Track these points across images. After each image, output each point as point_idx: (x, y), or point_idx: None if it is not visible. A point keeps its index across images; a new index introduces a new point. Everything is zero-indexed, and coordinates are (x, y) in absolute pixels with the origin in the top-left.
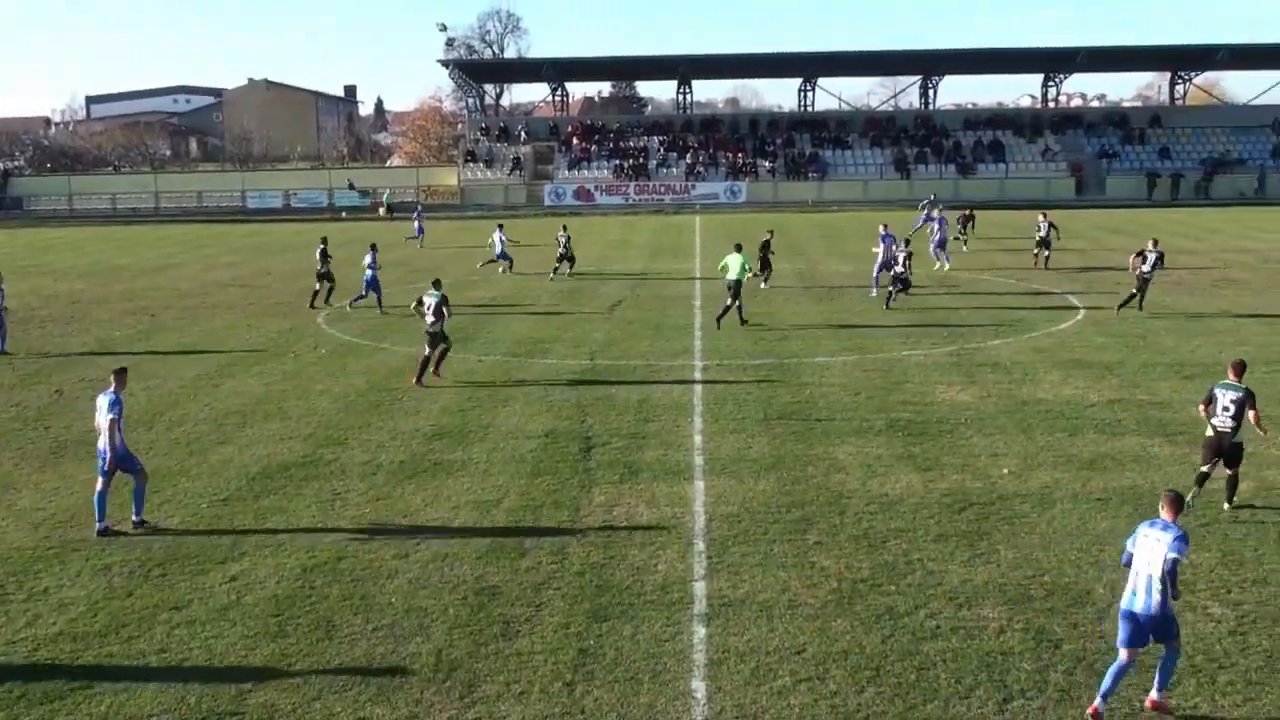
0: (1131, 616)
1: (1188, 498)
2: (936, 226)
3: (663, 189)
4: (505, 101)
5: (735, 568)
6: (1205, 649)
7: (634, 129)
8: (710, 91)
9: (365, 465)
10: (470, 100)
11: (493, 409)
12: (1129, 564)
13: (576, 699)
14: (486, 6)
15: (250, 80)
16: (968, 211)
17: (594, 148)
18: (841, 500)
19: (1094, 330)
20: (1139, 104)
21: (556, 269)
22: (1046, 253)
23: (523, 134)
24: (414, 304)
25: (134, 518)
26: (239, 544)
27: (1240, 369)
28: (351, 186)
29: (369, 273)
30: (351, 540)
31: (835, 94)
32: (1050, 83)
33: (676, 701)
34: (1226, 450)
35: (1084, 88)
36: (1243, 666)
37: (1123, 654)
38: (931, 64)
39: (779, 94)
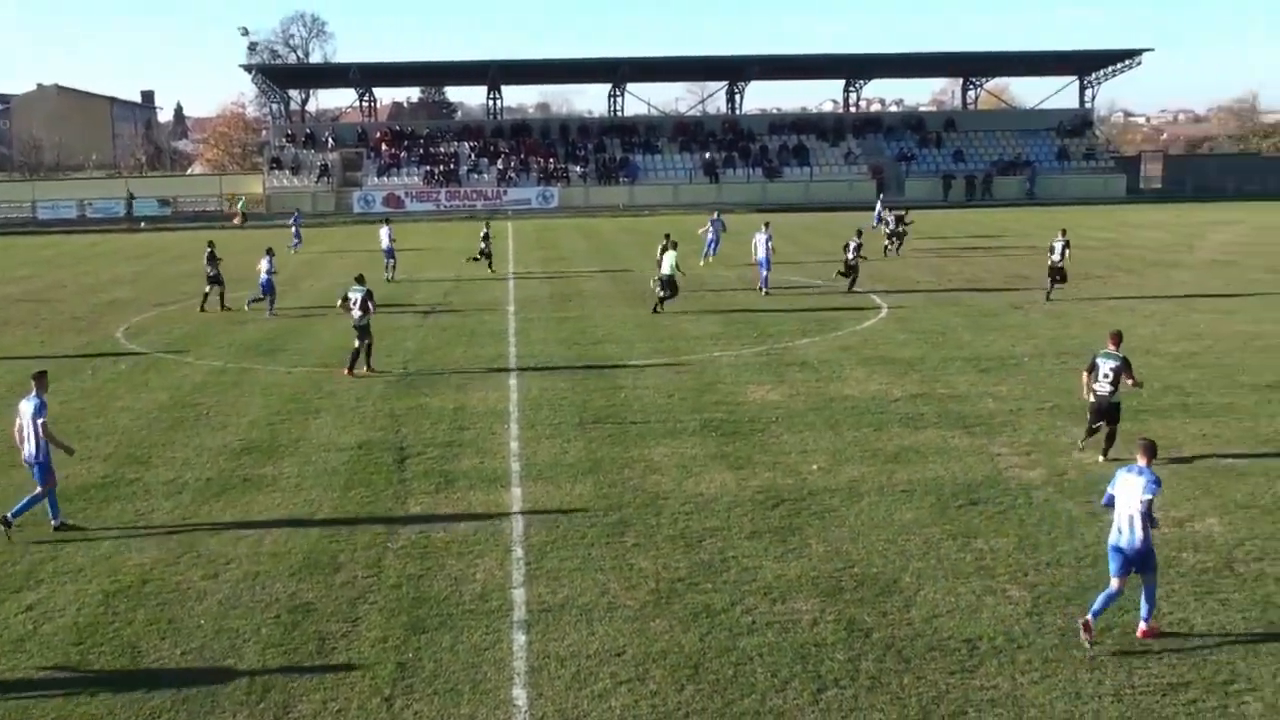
0: (1119, 550)
1: (1078, 444)
2: (712, 233)
3: (474, 195)
4: (311, 107)
5: (554, 573)
6: (1005, 630)
7: (444, 134)
8: (521, 97)
9: (170, 484)
10: (275, 106)
11: (303, 421)
12: (1110, 505)
13: (396, 713)
14: (289, 10)
15: (40, 86)
16: (902, 213)
17: (403, 154)
18: (658, 501)
19: (896, 328)
20: (934, 109)
21: (476, 260)
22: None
23: (330, 140)
24: (339, 301)
25: (9, 513)
26: (35, 572)
27: (1118, 339)
28: (133, 197)
29: (264, 276)
30: (157, 563)
31: (645, 100)
32: (851, 88)
33: (498, 710)
34: (1106, 410)
35: (883, 93)
36: (1039, 645)
37: (1114, 583)
38: (738, 70)
39: (589, 99)
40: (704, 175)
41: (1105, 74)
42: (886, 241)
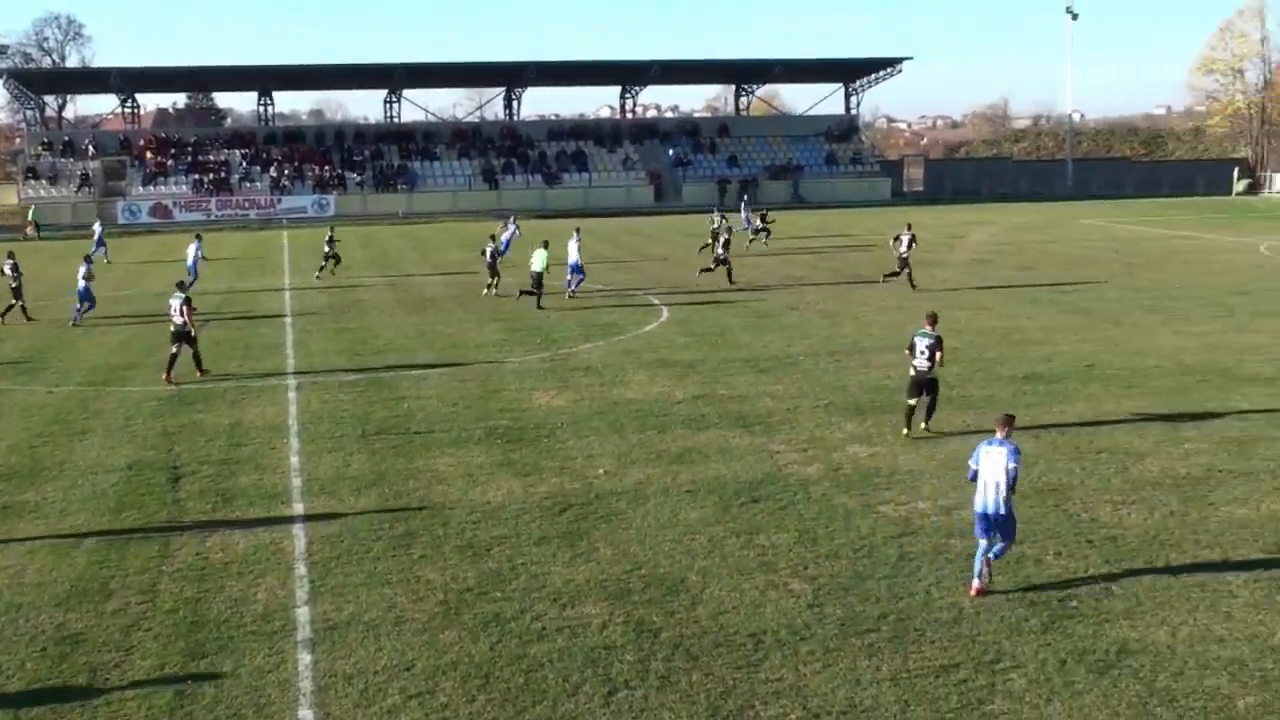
0: (984, 516)
1: (904, 431)
2: (506, 239)
3: (247, 204)
4: (70, 113)
5: (339, 589)
6: (788, 623)
7: (213, 142)
8: (293, 103)
9: None
10: (29, 113)
11: (68, 443)
12: (974, 478)
13: None
14: (42, 11)
15: None
16: (764, 211)
17: (170, 162)
18: (444, 511)
19: (677, 331)
20: (709, 114)
21: (323, 268)
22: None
23: (90, 148)
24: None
25: None
26: None
27: (933, 320)
28: None
29: (82, 284)
30: None
31: (421, 105)
32: (627, 94)
33: None
34: (925, 384)
35: (659, 99)
36: (821, 635)
37: (981, 543)
38: (515, 76)
39: (364, 105)
40: (483, 182)
41: (869, 81)
42: (752, 237)
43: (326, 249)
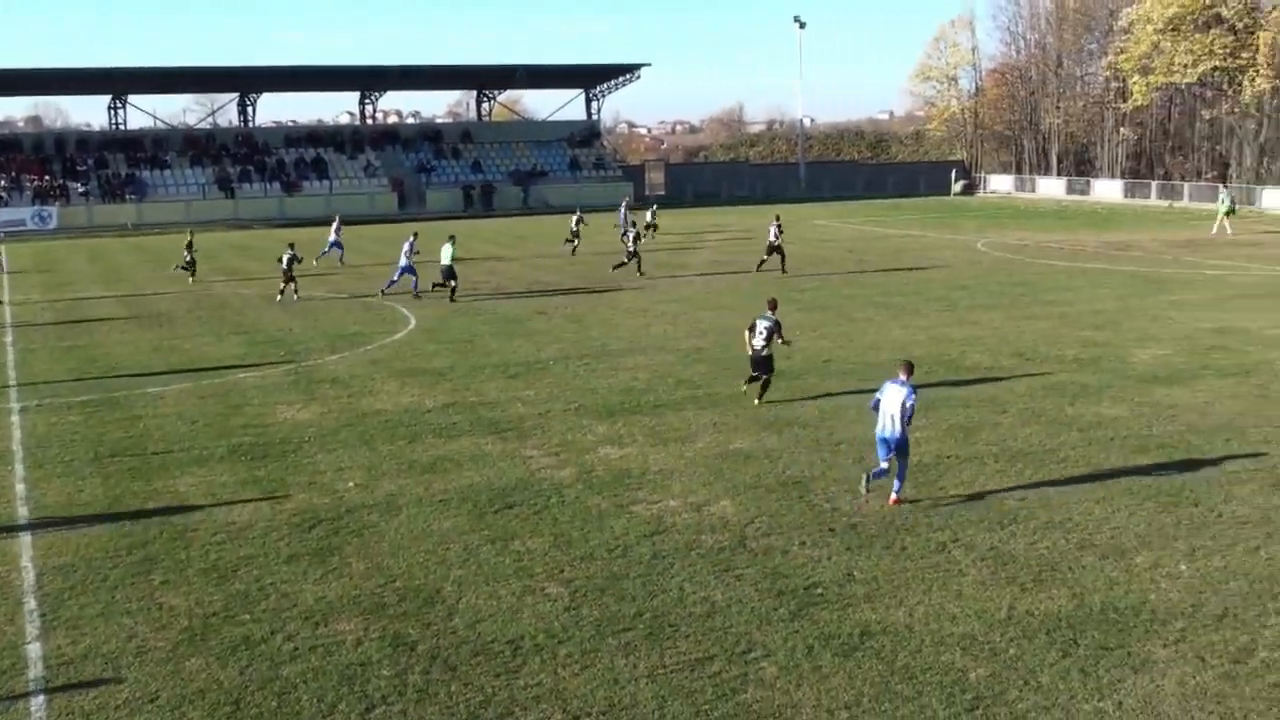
0: (884, 440)
1: (743, 387)
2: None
3: None
4: None
5: (74, 622)
6: (545, 627)
7: None
8: (8, 109)
9: None
10: None
11: None
12: (876, 407)
13: None
14: None
15: None
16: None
17: None
18: (187, 534)
19: (425, 339)
20: (451, 120)
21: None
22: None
23: None
24: None
25: None
26: None
27: (773, 305)
28: None
29: None
30: None
31: (149, 111)
32: (367, 99)
33: None
34: (760, 362)
35: (399, 105)
36: (579, 638)
37: (882, 463)
38: (249, 80)
39: (87, 111)
40: (219, 190)
41: (609, 87)
42: (639, 233)
43: (186, 255)
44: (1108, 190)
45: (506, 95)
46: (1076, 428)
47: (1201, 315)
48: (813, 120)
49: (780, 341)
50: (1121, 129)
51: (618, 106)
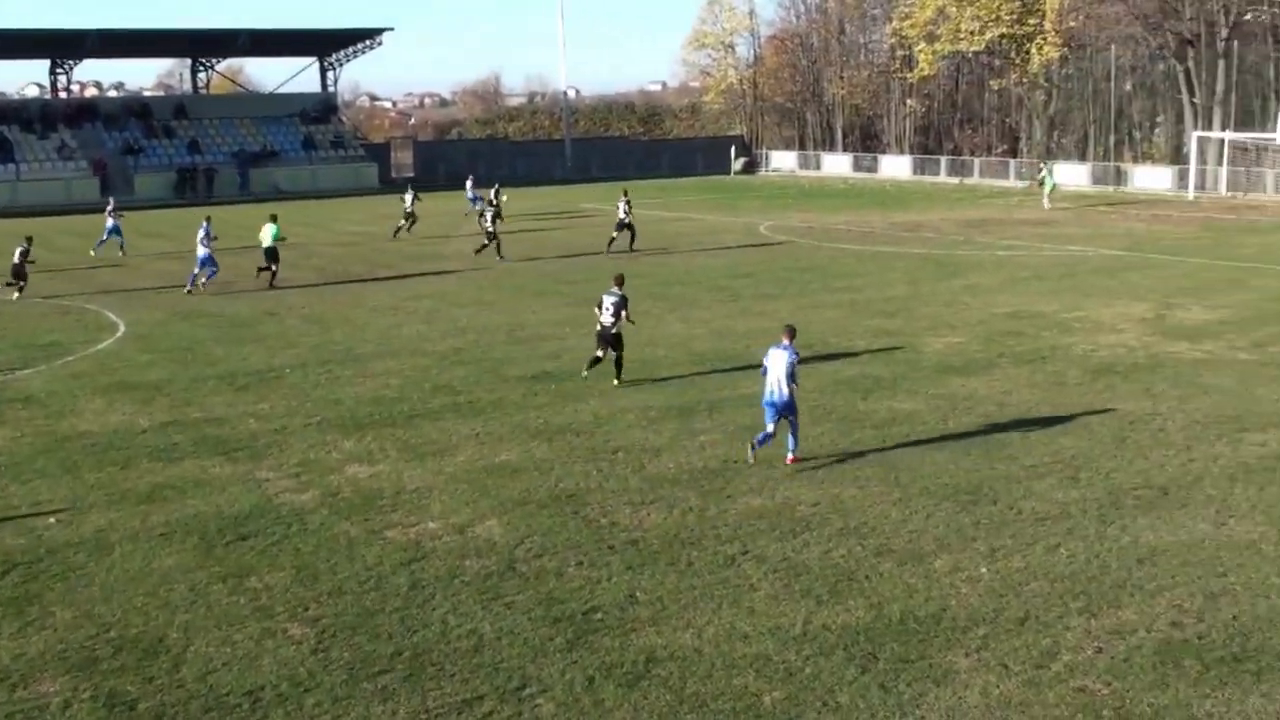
0: (771, 404)
1: (584, 373)
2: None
3: None
4: None
5: None
6: (289, 674)
7: None
8: None
9: None
10: None
11: None
12: (765, 374)
13: None
14: None
15: None
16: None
17: None
18: None
19: (137, 347)
20: (162, 93)
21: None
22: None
23: None
24: None
25: None
26: None
27: (619, 280)
28: None
29: None
30: None
31: None
32: (60, 69)
33: None
34: (609, 339)
35: (99, 75)
36: (328, 684)
37: (769, 426)
38: None
39: None
40: None
41: (346, 55)
42: (498, 212)
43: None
44: (896, 167)
45: (227, 64)
46: (870, 424)
47: (995, 299)
48: (578, 92)
49: (626, 318)
50: (909, 100)
51: (357, 77)
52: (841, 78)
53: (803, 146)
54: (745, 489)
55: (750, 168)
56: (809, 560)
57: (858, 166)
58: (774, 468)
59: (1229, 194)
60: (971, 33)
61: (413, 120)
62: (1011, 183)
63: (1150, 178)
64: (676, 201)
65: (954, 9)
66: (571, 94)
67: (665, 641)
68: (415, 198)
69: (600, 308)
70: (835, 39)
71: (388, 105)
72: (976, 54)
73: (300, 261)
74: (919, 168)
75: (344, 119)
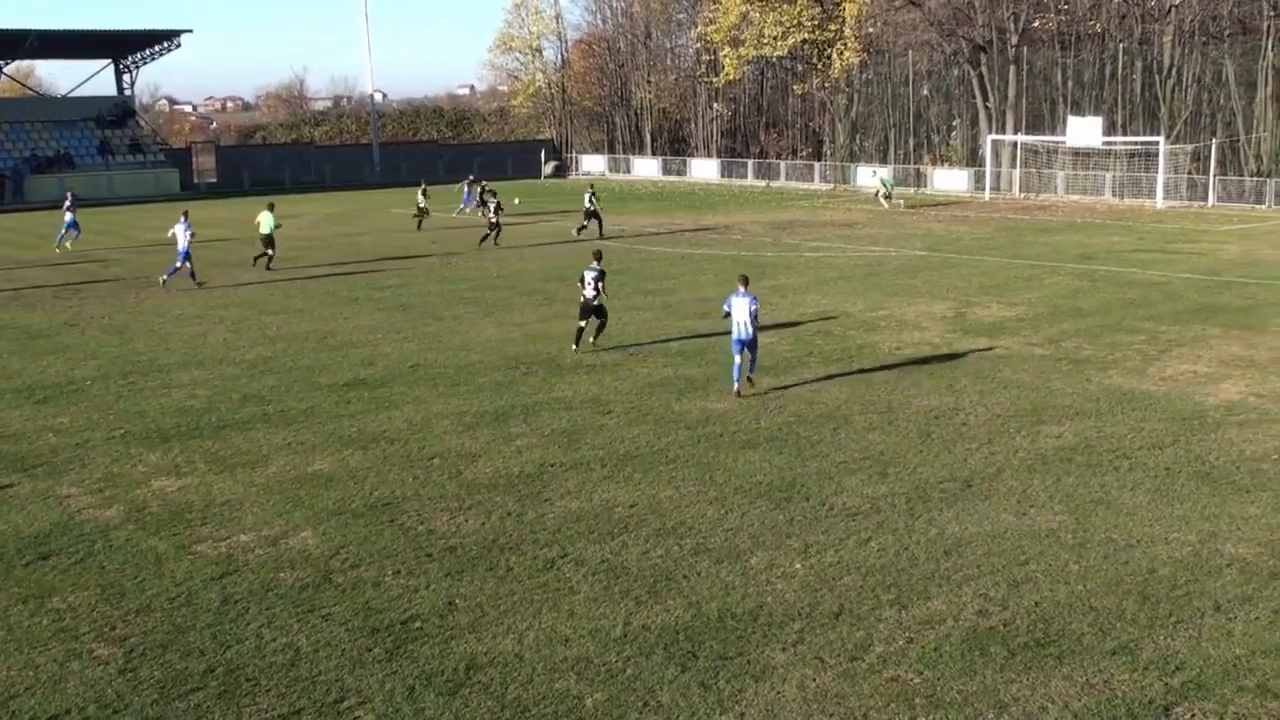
0: (739, 341)
1: (572, 348)
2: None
3: None
4: None
5: None
6: (96, 696)
7: None
8: None
9: None
10: None
11: None
12: (728, 316)
13: None
14: None
15: None
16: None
17: None
18: None
19: None
20: None
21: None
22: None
23: None
24: None
25: None
26: None
27: (598, 256)
28: None
29: None
30: None
31: None
32: None
33: None
34: (593, 309)
35: None
36: (138, 705)
37: (737, 359)
38: None
39: None
40: None
41: (144, 57)
42: (499, 203)
43: (588, 203)
44: (704, 170)
45: (15, 66)
46: (684, 425)
47: (804, 299)
48: (385, 96)
49: (603, 290)
50: (715, 104)
51: (155, 80)
52: (649, 82)
53: (612, 150)
54: (563, 492)
55: (561, 171)
56: (628, 561)
57: (667, 170)
58: (591, 470)
59: (1022, 195)
60: (775, 38)
61: (214, 125)
62: (816, 185)
63: (949, 180)
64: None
65: (757, 15)
66: (379, 98)
67: (486, 648)
68: (424, 193)
69: (582, 283)
70: (642, 43)
71: (188, 109)
72: (780, 59)
73: (101, 271)
74: (726, 170)
75: (142, 123)
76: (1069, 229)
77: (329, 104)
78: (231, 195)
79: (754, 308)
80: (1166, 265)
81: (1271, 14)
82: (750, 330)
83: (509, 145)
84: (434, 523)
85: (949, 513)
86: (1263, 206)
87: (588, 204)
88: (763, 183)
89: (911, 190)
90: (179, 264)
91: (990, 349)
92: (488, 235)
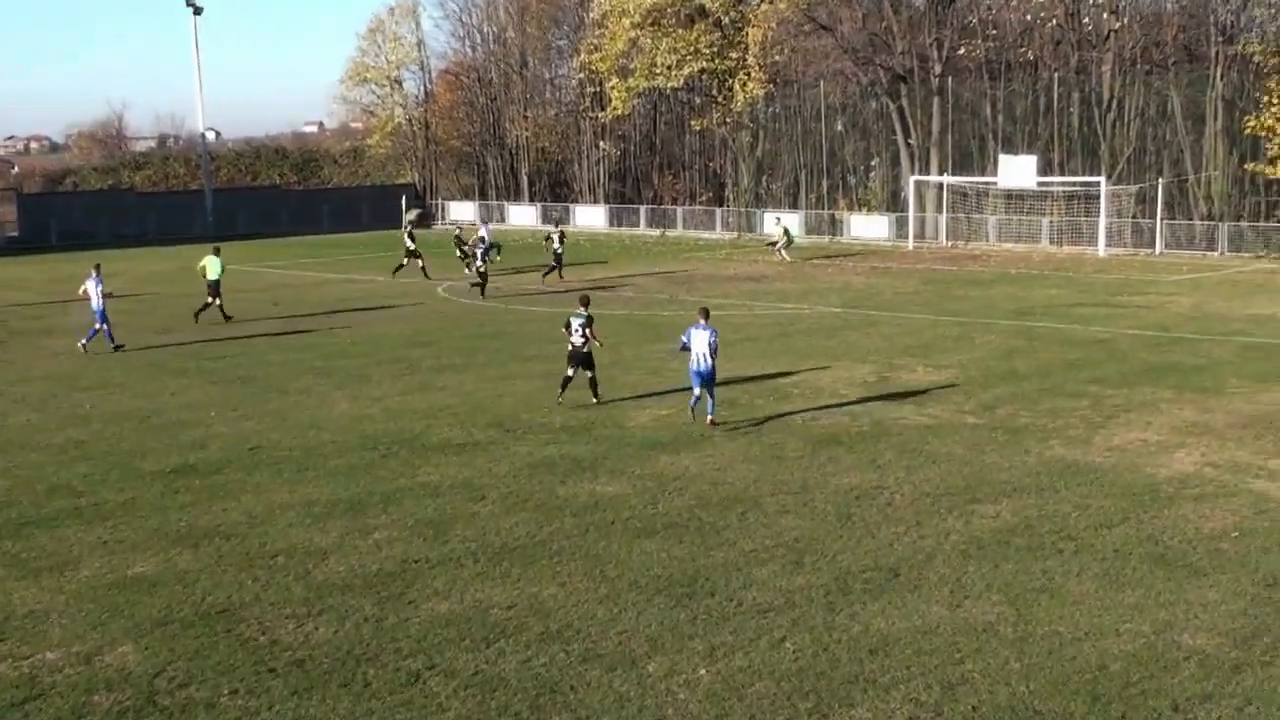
0: (698, 374)
1: (559, 396)
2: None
3: None
4: None
5: None
6: None
7: None
8: None
9: None
10: None
11: None
12: (686, 348)
13: None
14: None
15: None
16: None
17: None
18: None
19: None
20: None
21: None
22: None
23: None
24: None
25: None
26: None
27: (585, 301)
28: None
29: None
30: None
31: None
32: None
33: None
34: (581, 357)
35: None
36: None
37: (696, 391)
38: None
39: None
40: None
41: None
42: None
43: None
44: (591, 217)
45: None
46: (570, 511)
47: None
48: (219, 135)
49: (593, 336)
50: (602, 143)
51: None
52: (525, 117)
53: (484, 196)
54: (429, 592)
55: (425, 220)
56: (505, 672)
57: (547, 218)
58: (462, 566)
59: (949, 243)
60: (669, 67)
61: (15, 169)
62: (718, 234)
63: (867, 226)
64: (340, 260)
65: (648, 41)
66: (211, 136)
67: None
68: (410, 234)
69: (569, 329)
70: (517, 74)
71: None
72: (675, 91)
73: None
74: (616, 218)
75: None
76: (1002, 281)
77: (153, 144)
78: (36, 251)
79: (713, 340)
80: (1111, 321)
81: (1220, 40)
82: (709, 362)
83: (364, 190)
84: (278, 632)
85: (874, 606)
86: (1215, 254)
87: (556, 247)
88: (657, 231)
89: (826, 239)
90: (98, 325)
91: (917, 418)
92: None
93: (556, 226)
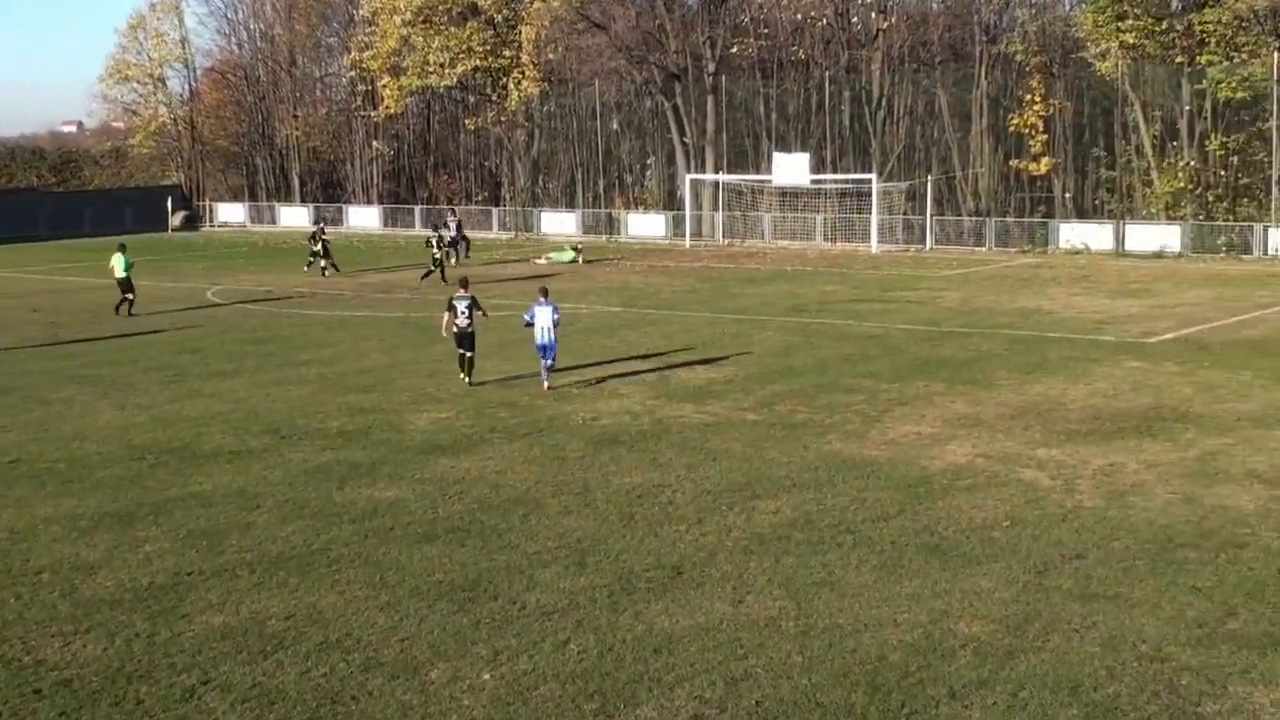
0: (543, 346)
1: (462, 377)
2: None
3: None
4: None
5: None
6: None
7: None
8: None
9: None
10: None
11: None
12: (531, 323)
13: None
14: None
15: None
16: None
17: None
18: None
19: None
20: None
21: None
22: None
23: None
24: None
25: None
26: None
27: (464, 283)
28: None
29: None
30: None
31: None
32: None
33: None
34: (466, 337)
35: None
36: None
37: (544, 363)
38: None
39: None
40: None
41: None
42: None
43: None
44: (365, 218)
45: None
46: (349, 518)
47: (483, 366)
48: None
49: (481, 316)
50: (375, 142)
51: None
52: (295, 117)
53: (254, 197)
54: (203, 605)
55: (192, 223)
56: (284, 684)
57: (320, 219)
58: (237, 577)
59: (726, 241)
60: (441, 65)
61: None
62: (495, 234)
63: (645, 225)
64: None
65: (420, 39)
66: None
67: None
68: (321, 231)
69: (453, 310)
70: (286, 72)
71: None
72: (449, 90)
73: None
74: (390, 219)
75: None
76: (778, 278)
77: None
78: None
79: (556, 317)
80: (884, 316)
81: (984, 39)
82: (552, 336)
83: (128, 192)
84: (43, 651)
85: (657, 605)
86: (982, 249)
87: (452, 231)
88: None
89: (604, 238)
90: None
91: (697, 416)
92: (430, 272)
93: (318, 225)
